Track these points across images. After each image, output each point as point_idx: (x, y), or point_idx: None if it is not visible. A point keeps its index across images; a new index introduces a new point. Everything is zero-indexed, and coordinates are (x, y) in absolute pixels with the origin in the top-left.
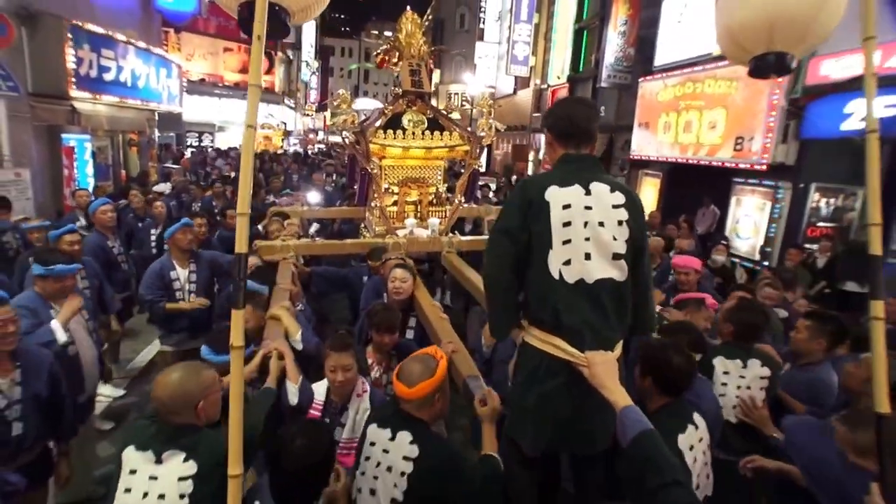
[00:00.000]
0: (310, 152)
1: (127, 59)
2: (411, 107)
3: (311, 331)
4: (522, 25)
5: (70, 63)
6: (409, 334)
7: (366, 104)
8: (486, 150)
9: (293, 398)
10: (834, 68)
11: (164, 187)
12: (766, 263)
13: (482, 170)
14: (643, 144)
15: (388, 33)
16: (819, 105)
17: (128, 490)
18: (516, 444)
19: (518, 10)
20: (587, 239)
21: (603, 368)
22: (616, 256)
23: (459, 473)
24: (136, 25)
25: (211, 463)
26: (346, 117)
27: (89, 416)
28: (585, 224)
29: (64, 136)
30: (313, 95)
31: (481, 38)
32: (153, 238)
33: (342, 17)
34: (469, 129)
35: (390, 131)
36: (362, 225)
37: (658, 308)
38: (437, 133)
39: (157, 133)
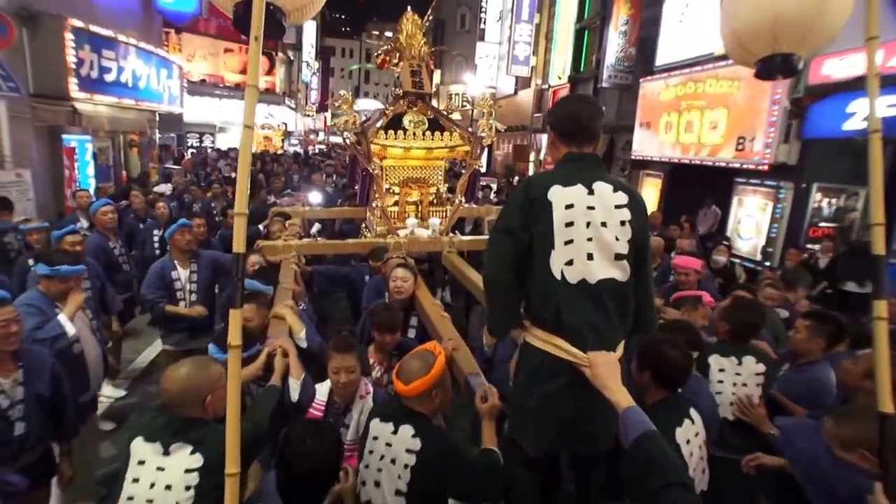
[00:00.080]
0: (310, 153)
1: (128, 60)
2: (412, 107)
3: (314, 329)
4: (523, 25)
5: (71, 64)
6: (411, 333)
7: (367, 105)
8: (487, 151)
9: (294, 394)
10: (836, 67)
11: (165, 188)
12: (767, 264)
13: (483, 170)
14: (644, 144)
15: (388, 34)
16: (821, 105)
17: (136, 480)
18: (518, 445)
19: (519, 11)
20: (589, 239)
21: (605, 369)
22: (618, 257)
23: (461, 465)
24: (136, 26)
25: (217, 457)
26: (347, 118)
27: (92, 415)
28: (588, 224)
29: (65, 136)
30: (314, 96)
31: (482, 39)
32: (156, 239)
33: (343, 17)
34: (470, 129)
35: (391, 132)
36: (363, 225)
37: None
38: (437, 133)
39: (157, 134)
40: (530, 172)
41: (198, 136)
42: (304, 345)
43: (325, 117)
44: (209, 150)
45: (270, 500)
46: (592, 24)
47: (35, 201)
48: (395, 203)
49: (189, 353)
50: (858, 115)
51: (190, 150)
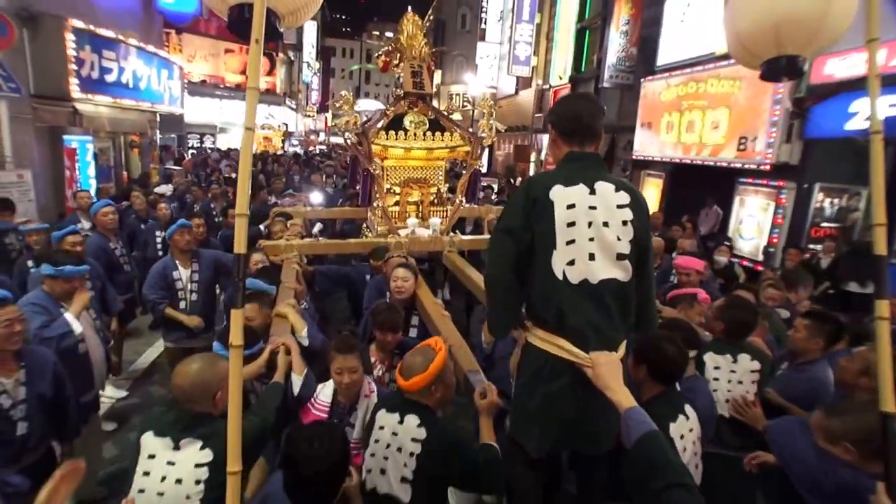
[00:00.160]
0: (310, 153)
1: (128, 61)
2: (413, 108)
3: (316, 327)
4: (524, 25)
5: (71, 64)
6: (413, 332)
7: (367, 105)
8: (488, 151)
9: (297, 389)
10: (839, 67)
11: (166, 189)
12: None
13: (484, 170)
14: (646, 144)
15: (389, 34)
16: (823, 104)
17: (146, 473)
18: (520, 445)
19: (520, 10)
20: (591, 239)
21: (607, 369)
22: (620, 257)
23: (463, 454)
24: (137, 27)
25: (226, 452)
26: (348, 118)
27: (94, 414)
28: (590, 224)
29: (66, 137)
30: (314, 96)
31: (483, 39)
32: (158, 240)
33: (343, 17)
34: (470, 129)
35: (392, 132)
36: (364, 225)
37: None
38: (438, 134)
39: (158, 134)
40: (531, 172)
41: (198, 136)
42: (305, 342)
43: (326, 118)
44: (209, 151)
45: (277, 500)
46: (593, 24)
47: (36, 202)
48: (396, 203)
49: (190, 350)
50: (861, 114)
51: (190, 151)
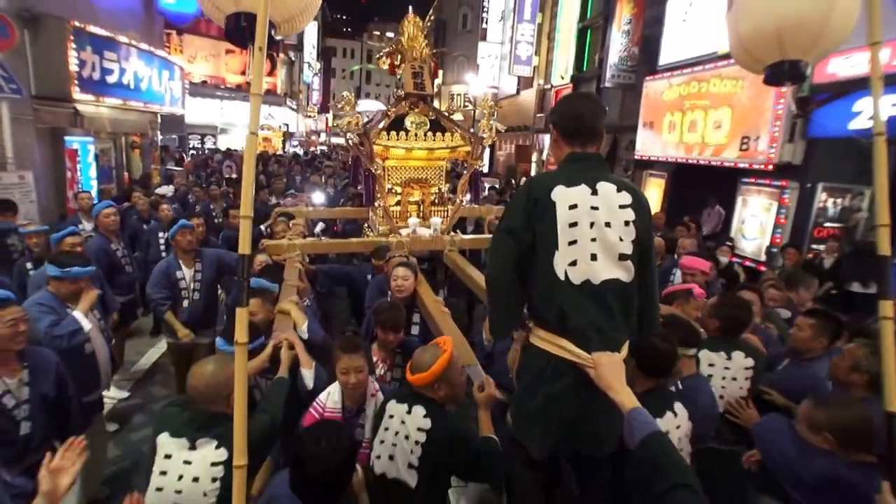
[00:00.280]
0: (312, 153)
1: (129, 62)
2: (414, 109)
3: (317, 323)
4: (525, 25)
5: (73, 65)
6: (414, 330)
7: (368, 105)
8: (489, 151)
9: (310, 382)
10: (842, 66)
11: (167, 190)
12: (779, 264)
13: (485, 171)
14: (648, 144)
15: (390, 34)
16: (826, 104)
17: (163, 473)
18: (521, 446)
19: (521, 10)
20: (593, 240)
21: (609, 370)
22: (622, 257)
23: (466, 445)
24: (138, 27)
25: None
26: (350, 119)
27: (98, 414)
28: (592, 224)
29: (67, 138)
30: (315, 97)
31: (484, 39)
32: (161, 241)
33: (344, 17)
34: (471, 129)
35: (393, 133)
36: (366, 224)
37: None
38: (439, 134)
39: (159, 135)
40: (533, 172)
41: (199, 137)
42: (305, 336)
43: (327, 118)
44: (207, 152)
45: (284, 502)
46: (595, 24)
47: (38, 203)
48: (398, 203)
49: (191, 347)
50: (864, 114)
51: (191, 152)
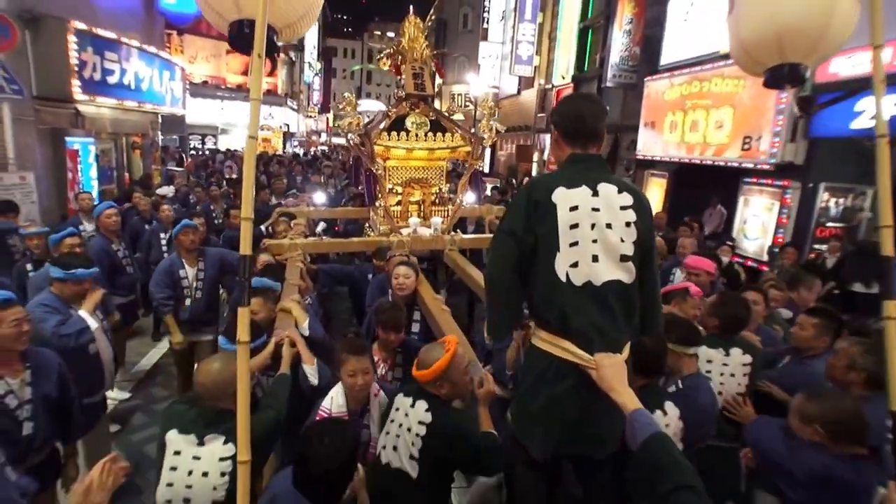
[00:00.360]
0: (314, 153)
1: (130, 62)
2: (414, 109)
3: (318, 322)
4: (526, 25)
5: (74, 66)
6: (415, 328)
7: (369, 106)
8: (490, 151)
9: (314, 379)
10: (844, 65)
11: (167, 190)
12: (778, 264)
13: (486, 171)
14: (649, 144)
15: (390, 34)
16: (828, 106)
17: (174, 468)
18: (522, 446)
19: (522, 10)
20: (595, 241)
21: (611, 371)
22: (624, 258)
23: (465, 440)
24: (139, 28)
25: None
26: (351, 120)
27: (103, 414)
28: (593, 226)
29: (68, 139)
30: (316, 97)
31: (485, 38)
32: (164, 242)
33: (344, 17)
34: (472, 129)
35: (394, 133)
36: (367, 224)
37: None
38: (439, 135)
39: (160, 136)
40: (534, 172)
41: (200, 137)
42: (306, 333)
43: (328, 118)
44: (208, 153)
45: (287, 500)
46: (596, 23)
47: (39, 204)
48: (399, 203)
49: (193, 345)
50: (866, 113)
51: (191, 152)
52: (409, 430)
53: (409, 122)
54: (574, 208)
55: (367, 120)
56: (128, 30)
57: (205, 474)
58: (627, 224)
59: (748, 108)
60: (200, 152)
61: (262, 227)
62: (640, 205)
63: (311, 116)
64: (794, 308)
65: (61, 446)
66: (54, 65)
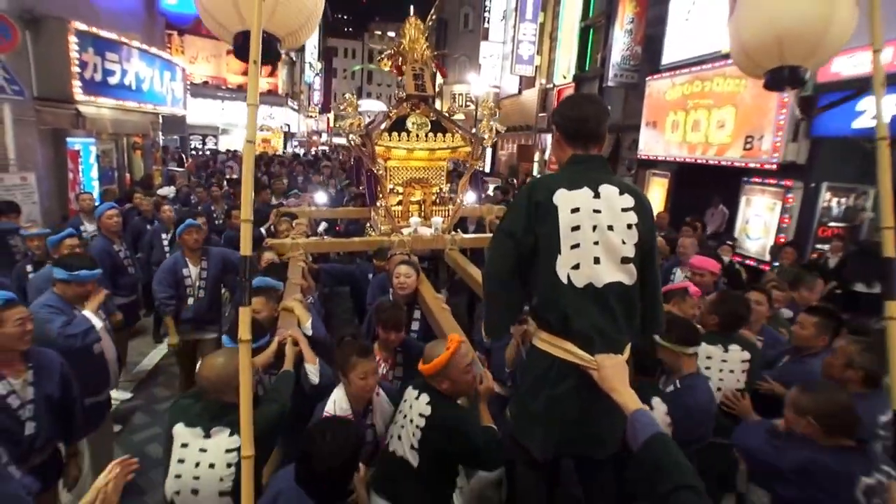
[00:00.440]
0: (315, 154)
1: (131, 63)
2: (415, 110)
3: (320, 321)
4: (527, 24)
5: (74, 67)
6: (415, 326)
7: (370, 106)
8: (491, 151)
9: (315, 378)
10: (846, 65)
11: (169, 191)
12: (776, 264)
13: (487, 171)
14: (651, 144)
15: (391, 34)
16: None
17: (181, 461)
18: (523, 446)
19: (523, 9)
20: (596, 243)
21: (612, 371)
22: (625, 260)
23: (464, 434)
24: (139, 28)
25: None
26: (352, 120)
27: (107, 413)
28: (594, 228)
29: (69, 139)
30: (317, 97)
31: (486, 38)
32: (165, 242)
33: (345, 17)
34: (473, 129)
35: (395, 134)
36: (368, 224)
37: None
38: (439, 135)
39: (161, 136)
40: (535, 172)
41: (200, 138)
42: (309, 332)
43: (328, 118)
44: (209, 152)
45: (290, 497)
46: (597, 23)
47: (40, 204)
48: (399, 202)
49: (195, 343)
50: (867, 113)
51: (191, 153)
52: (411, 421)
53: (409, 123)
54: (575, 210)
55: (367, 120)
56: (128, 30)
57: (211, 466)
58: (629, 226)
59: (750, 107)
60: (201, 153)
61: (262, 229)
62: (642, 206)
63: (311, 116)
64: (796, 308)
65: (63, 446)
66: (55, 65)
